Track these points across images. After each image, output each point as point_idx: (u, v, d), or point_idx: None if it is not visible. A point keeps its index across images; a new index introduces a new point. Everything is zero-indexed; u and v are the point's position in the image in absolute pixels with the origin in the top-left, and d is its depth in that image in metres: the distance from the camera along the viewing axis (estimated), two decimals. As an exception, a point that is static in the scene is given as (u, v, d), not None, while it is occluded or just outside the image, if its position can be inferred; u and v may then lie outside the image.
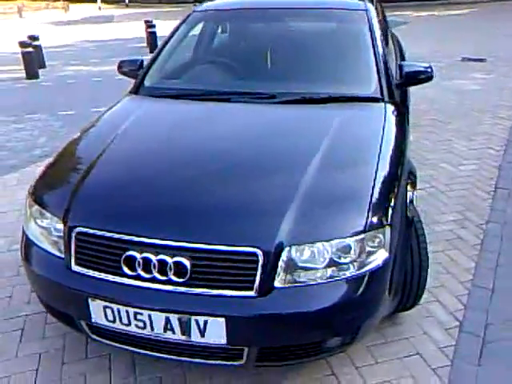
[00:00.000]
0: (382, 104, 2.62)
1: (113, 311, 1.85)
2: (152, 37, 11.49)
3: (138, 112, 2.66)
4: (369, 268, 1.86)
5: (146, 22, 11.78)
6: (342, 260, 1.84)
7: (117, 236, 1.85)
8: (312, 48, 3.01)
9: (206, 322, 1.77)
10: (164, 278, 1.80)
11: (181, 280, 1.78)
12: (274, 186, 1.98)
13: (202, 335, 1.80)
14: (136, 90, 2.98)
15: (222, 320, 1.76)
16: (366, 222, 1.86)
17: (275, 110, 2.61)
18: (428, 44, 10.34)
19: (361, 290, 1.86)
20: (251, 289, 1.76)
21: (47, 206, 2.07)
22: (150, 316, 1.81)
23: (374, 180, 2.01)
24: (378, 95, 2.65)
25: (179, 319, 1.79)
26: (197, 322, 1.78)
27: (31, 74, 8.68)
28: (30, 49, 8.62)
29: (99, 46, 13.50)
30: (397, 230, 2.01)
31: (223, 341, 1.80)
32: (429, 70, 2.81)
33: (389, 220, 1.93)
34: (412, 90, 6.46)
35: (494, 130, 5.20)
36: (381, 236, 1.90)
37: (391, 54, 3.40)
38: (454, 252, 3.07)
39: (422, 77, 2.81)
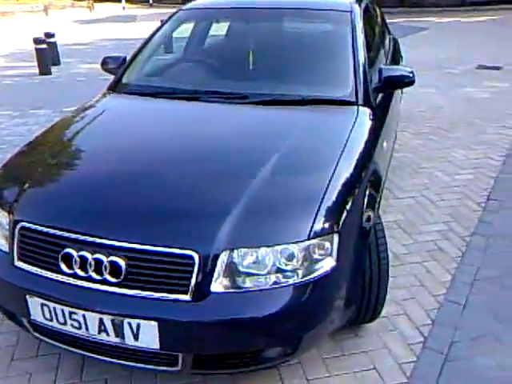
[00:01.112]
0: (355, 108, 2.54)
1: (49, 309, 1.82)
2: (167, 37, 11.52)
3: (106, 109, 2.65)
4: (313, 276, 1.80)
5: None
6: (286, 267, 1.77)
7: (55, 232, 1.83)
8: (292, 49, 2.95)
9: (138, 326, 1.73)
10: (99, 277, 1.76)
11: (116, 280, 1.74)
12: (221, 188, 1.92)
13: (136, 339, 1.75)
14: (113, 87, 2.96)
15: (155, 324, 1.71)
16: (312, 229, 1.79)
17: (243, 111, 2.55)
18: (445, 50, 10.13)
19: (303, 299, 1.79)
20: (186, 293, 1.71)
21: (0, 199, 2.05)
22: (84, 316, 1.77)
23: (328, 186, 1.94)
24: (352, 99, 2.58)
25: (112, 321, 1.75)
26: (130, 324, 1.73)
27: (44, 71, 8.79)
28: (44, 45, 8.72)
29: (117, 44, 13.61)
30: (350, 239, 1.94)
31: (156, 346, 1.75)
32: (410, 74, 2.72)
33: (339, 228, 1.86)
34: (420, 96, 6.36)
35: (496, 139, 5.04)
36: (328, 244, 1.83)
37: (378, 58, 3.32)
38: (431, 264, 2.97)
39: (401, 81, 2.72)
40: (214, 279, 1.72)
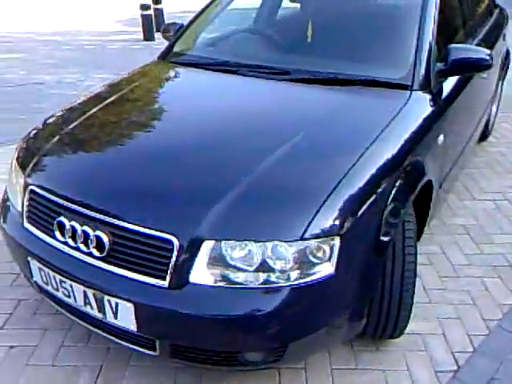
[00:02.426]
0: (407, 93, 2.22)
1: (45, 274, 1.84)
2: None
3: (146, 78, 2.59)
4: (305, 281, 1.60)
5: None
6: (276, 266, 1.59)
7: (53, 199, 1.83)
8: (354, 22, 2.63)
9: (117, 304, 1.67)
10: (86, 249, 1.73)
11: (100, 255, 1.70)
12: (223, 173, 1.76)
13: (115, 317, 1.70)
14: (164, 56, 2.90)
15: (131, 306, 1.64)
16: (307, 229, 1.58)
17: (278, 87, 2.34)
18: None
19: (292, 304, 1.60)
20: (164, 279, 1.61)
21: (21, 163, 2.10)
22: (71, 286, 1.76)
23: (340, 181, 1.70)
24: (406, 82, 2.24)
25: (94, 295, 1.71)
26: (109, 302, 1.68)
27: (147, 37, 9.11)
28: (150, 12, 9.02)
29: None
30: (358, 247, 1.70)
31: (133, 327, 1.68)
32: (485, 57, 2.29)
33: (342, 231, 1.62)
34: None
35: None
36: (327, 247, 1.61)
37: (460, 35, 2.87)
38: (493, 281, 2.56)
39: (473, 65, 2.31)
40: (193, 269, 1.59)
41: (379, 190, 1.77)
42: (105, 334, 1.83)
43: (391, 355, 2.12)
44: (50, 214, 1.83)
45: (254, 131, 2.00)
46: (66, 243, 1.78)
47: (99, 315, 1.75)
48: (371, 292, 1.80)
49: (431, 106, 2.26)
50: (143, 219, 1.64)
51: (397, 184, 1.86)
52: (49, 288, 1.87)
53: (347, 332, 1.83)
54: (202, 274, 1.60)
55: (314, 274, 1.61)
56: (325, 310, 1.67)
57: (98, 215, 1.70)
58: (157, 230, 1.62)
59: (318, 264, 1.62)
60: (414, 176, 2.01)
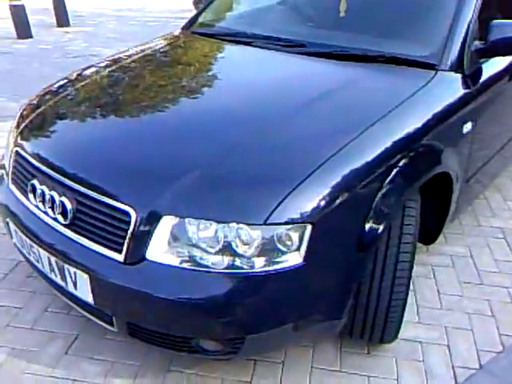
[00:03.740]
0: (432, 73, 1.96)
1: (19, 236, 1.81)
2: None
3: (160, 47, 2.49)
4: (268, 270, 1.44)
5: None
6: (239, 250, 1.45)
7: (30, 161, 1.78)
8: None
9: (75, 274, 1.61)
10: (53, 215, 1.67)
11: (64, 221, 1.63)
12: (198, 147, 1.62)
13: (75, 287, 1.64)
14: (188, 26, 2.79)
15: (87, 277, 1.57)
16: (273, 212, 1.42)
17: (295, 60, 2.15)
18: None
19: (250, 293, 1.46)
20: (120, 252, 1.51)
21: (16, 125, 2.07)
22: (38, 251, 1.72)
23: (327, 161, 1.52)
24: (432, 61, 1.98)
25: (56, 262, 1.66)
26: (68, 270, 1.62)
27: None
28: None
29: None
30: (335, 239, 1.52)
31: (91, 300, 1.61)
32: None
33: (314, 218, 1.45)
34: None
35: None
36: (295, 236, 1.44)
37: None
38: (521, 293, 2.27)
39: None
40: (151, 245, 1.49)
41: (372, 174, 1.57)
42: (71, 303, 1.77)
43: (382, 361, 1.92)
44: (26, 176, 1.80)
45: (255, 103, 1.84)
46: (37, 207, 1.73)
47: (62, 283, 1.70)
48: (349, 291, 1.60)
49: (460, 88, 1.99)
50: (104, 188, 1.56)
51: (397, 169, 1.65)
52: (24, 251, 1.85)
53: (322, 331, 1.66)
54: (160, 251, 1.49)
55: (280, 263, 1.46)
56: (291, 304, 1.51)
57: (64, 180, 1.64)
58: (116, 201, 1.52)
59: (285, 253, 1.46)
60: (423, 162, 1.78)
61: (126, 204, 1.50)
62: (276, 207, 1.43)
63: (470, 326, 2.08)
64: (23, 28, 7.57)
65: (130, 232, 1.49)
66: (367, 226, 1.56)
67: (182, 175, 1.51)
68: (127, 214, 1.50)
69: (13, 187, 1.89)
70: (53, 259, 1.66)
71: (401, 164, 1.67)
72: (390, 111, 1.75)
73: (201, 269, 1.47)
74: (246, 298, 1.47)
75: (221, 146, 1.61)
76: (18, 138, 1.93)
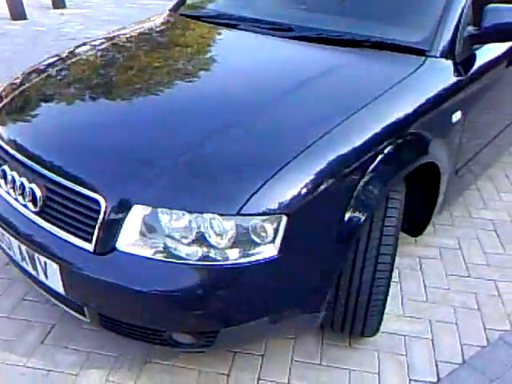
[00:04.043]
0: (422, 59, 1.89)
1: None
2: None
3: (144, 29, 2.42)
4: (243, 262, 1.40)
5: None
6: (212, 241, 1.40)
7: (3, 145, 1.73)
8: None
9: (45, 263, 1.56)
10: (23, 202, 1.62)
11: (34, 209, 1.59)
12: (175, 135, 1.57)
13: (46, 277, 1.60)
14: (176, 8, 2.70)
15: (56, 266, 1.52)
16: (246, 203, 1.36)
17: (282, 44, 2.08)
18: None
19: (224, 286, 1.41)
20: (90, 241, 1.47)
21: None
22: (9, 239, 1.67)
23: (306, 149, 1.46)
24: (422, 46, 1.91)
25: (27, 251, 1.61)
26: (39, 259, 1.58)
27: None
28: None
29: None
30: (314, 229, 1.47)
31: (61, 290, 1.57)
32: None
33: (289, 209, 1.39)
34: None
35: None
36: (269, 227, 1.39)
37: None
38: (509, 287, 2.21)
39: None
40: (121, 235, 1.44)
41: (355, 163, 1.52)
42: (44, 293, 1.73)
43: (363, 354, 1.88)
44: (-1, 161, 1.75)
45: (235, 90, 1.78)
46: (8, 193, 1.69)
47: (34, 273, 1.65)
48: (328, 284, 1.56)
49: (451, 76, 1.92)
50: (75, 175, 1.50)
51: (381, 158, 1.59)
52: (-3, 239, 1.80)
53: (301, 324, 1.62)
54: (131, 242, 1.44)
55: (254, 255, 1.41)
56: (266, 297, 1.47)
57: (34, 166, 1.59)
58: (86, 188, 1.47)
59: (260, 245, 1.41)
60: (408, 152, 1.72)
61: (95, 192, 1.45)
62: (250, 197, 1.37)
63: (455, 320, 2.04)
64: (17, 9, 7.44)
65: (99, 221, 1.44)
66: (347, 216, 1.51)
67: (154, 164, 1.46)
68: (97, 202, 1.45)
69: None
70: (23, 248, 1.61)
71: (385, 152, 1.62)
72: (375, 98, 1.69)
73: (174, 260, 1.42)
74: (220, 291, 1.42)
75: (196, 134, 1.55)
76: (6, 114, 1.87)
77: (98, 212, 1.44)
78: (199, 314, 1.44)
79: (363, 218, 1.53)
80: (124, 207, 1.42)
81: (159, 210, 1.41)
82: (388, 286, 1.72)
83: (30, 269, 1.66)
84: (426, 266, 2.34)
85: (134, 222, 1.43)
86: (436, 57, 1.92)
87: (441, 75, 1.90)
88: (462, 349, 1.92)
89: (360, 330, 1.78)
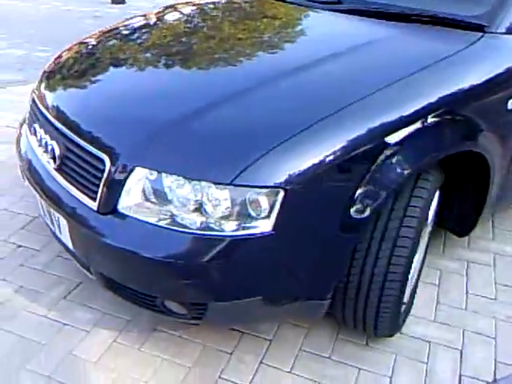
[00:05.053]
0: (478, 35, 1.69)
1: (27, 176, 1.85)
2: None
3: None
4: (237, 235, 1.34)
5: None
6: (209, 211, 1.36)
7: (36, 101, 1.82)
8: None
9: (59, 219, 1.61)
10: (47, 157, 1.68)
11: (54, 165, 1.64)
12: (187, 97, 1.53)
13: (60, 232, 1.65)
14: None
15: (66, 223, 1.56)
16: (242, 173, 1.30)
17: (321, 17, 1.97)
18: None
19: (216, 258, 1.36)
20: (95, 200, 1.48)
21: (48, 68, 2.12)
22: (37, 192, 1.74)
23: (318, 121, 1.36)
24: (480, 21, 1.71)
25: (46, 207, 1.67)
26: (54, 215, 1.63)
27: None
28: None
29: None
30: (315, 209, 1.36)
31: (71, 246, 1.61)
32: None
33: (287, 184, 1.30)
34: None
35: None
36: (265, 201, 1.31)
37: None
38: None
39: None
40: (122, 196, 1.43)
41: (374, 141, 1.39)
42: (63, 248, 1.79)
43: (379, 355, 1.74)
44: (32, 118, 1.83)
45: (267, 57, 1.73)
46: (36, 150, 1.76)
47: (52, 228, 1.72)
48: (333, 271, 1.45)
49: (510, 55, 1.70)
50: (86, 133, 1.53)
51: (407, 136, 1.44)
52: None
53: (302, 311, 1.53)
54: (132, 204, 1.43)
55: (249, 228, 1.34)
56: (259, 275, 1.39)
57: (55, 123, 1.65)
58: (95, 147, 1.49)
59: (256, 219, 1.34)
60: (444, 134, 1.54)
61: (101, 150, 1.47)
62: (246, 168, 1.30)
63: (495, 334, 1.82)
64: (118, -7, 7.87)
65: (103, 180, 1.45)
66: (358, 197, 1.38)
67: (158, 128, 1.44)
68: (102, 161, 1.46)
69: (27, 130, 1.94)
70: (43, 202, 1.68)
71: (415, 129, 1.46)
72: (411, 74, 1.53)
73: (170, 227, 1.39)
74: (211, 263, 1.37)
75: (206, 98, 1.50)
76: (42, 79, 1.96)
77: (103, 171, 1.46)
78: (189, 284, 1.40)
79: (378, 202, 1.39)
80: (126, 168, 1.42)
81: (160, 175, 1.38)
82: (404, 282, 1.56)
83: (49, 223, 1.73)
84: (473, 271, 2.11)
85: (134, 184, 1.42)
86: (498, 33, 1.70)
87: (499, 54, 1.68)
88: (495, 366, 1.70)
89: (372, 328, 1.64)
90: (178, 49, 1.89)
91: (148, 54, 1.87)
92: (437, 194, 1.70)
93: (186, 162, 1.37)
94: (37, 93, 1.89)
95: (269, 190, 1.31)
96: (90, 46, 2.11)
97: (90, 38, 2.26)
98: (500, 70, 1.66)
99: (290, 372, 1.68)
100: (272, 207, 1.32)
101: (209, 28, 2.09)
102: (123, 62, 1.87)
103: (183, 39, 1.98)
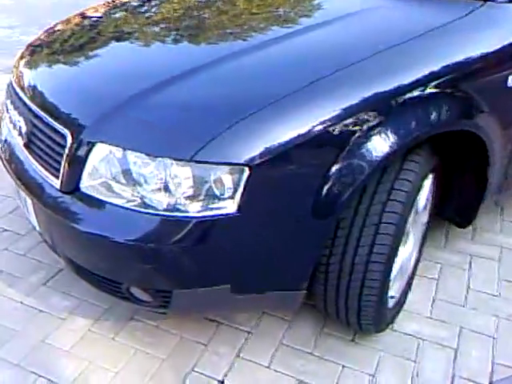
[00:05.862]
0: (478, 4, 1.55)
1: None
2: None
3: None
4: (201, 215, 1.24)
5: None
6: (172, 190, 1.26)
7: (11, 79, 1.75)
8: None
9: (25, 200, 1.54)
10: (16, 133, 1.61)
11: (21, 141, 1.57)
12: (162, 69, 1.44)
13: (28, 211, 1.58)
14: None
15: (30, 202, 1.49)
16: (203, 149, 1.19)
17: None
18: None
19: (179, 241, 1.26)
20: (57, 178, 1.40)
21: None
22: (7, 170, 1.67)
23: (293, 93, 1.25)
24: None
25: (16, 186, 1.61)
26: (20, 194, 1.56)
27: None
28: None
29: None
30: (281, 192, 1.25)
31: (38, 228, 1.54)
32: None
33: (252, 161, 1.19)
34: None
35: None
36: (228, 179, 1.21)
37: None
38: None
39: None
40: (83, 174, 1.35)
41: (353, 115, 1.26)
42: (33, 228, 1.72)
43: (365, 352, 1.61)
44: (6, 95, 1.78)
45: (258, 26, 1.63)
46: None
47: (22, 207, 1.65)
48: (307, 260, 1.34)
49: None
50: (52, 109, 1.45)
51: (390, 110, 1.31)
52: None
53: (274, 302, 1.42)
54: (93, 183, 1.35)
55: (215, 209, 1.24)
56: (224, 261, 1.29)
57: (22, 97, 1.58)
58: (56, 121, 1.41)
59: (221, 199, 1.23)
60: (432, 110, 1.39)
61: (63, 125, 1.39)
62: (208, 143, 1.20)
63: (494, 333, 1.67)
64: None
65: (65, 155, 1.37)
66: (330, 186, 1.26)
67: (121, 101, 1.35)
68: (64, 136, 1.38)
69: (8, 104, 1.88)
70: (14, 183, 1.62)
71: (399, 104, 1.32)
72: (400, 43, 1.40)
73: (132, 207, 1.30)
74: (175, 245, 1.27)
75: (174, 71, 1.40)
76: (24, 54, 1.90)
77: (65, 147, 1.37)
78: (152, 269, 1.31)
79: (357, 184, 1.27)
80: (87, 144, 1.33)
81: (126, 152, 1.28)
82: (388, 272, 1.43)
83: (20, 203, 1.67)
84: (477, 266, 1.96)
85: (96, 161, 1.33)
86: (498, 1, 1.56)
87: (500, 24, 1.53)
88: (492, 368, 1.56)
89: (356, 322, 1.52)
90: (169, 25, 1.80)
91: (148, 30, 1.78)
92: (430, 178, 1.57)
93: (148, 138, 1.28)
94: (17, 64, 1.82)
95: (232, 167, 1.20)
96: (82, 21, 2.03)
97: (87, 10, 2.19)
98: (500, 42, 1.51)
99: (267, 367, 1.57)
100: (236, 186, 1.22)
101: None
102: (121, 36, 1.77)
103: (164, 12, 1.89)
